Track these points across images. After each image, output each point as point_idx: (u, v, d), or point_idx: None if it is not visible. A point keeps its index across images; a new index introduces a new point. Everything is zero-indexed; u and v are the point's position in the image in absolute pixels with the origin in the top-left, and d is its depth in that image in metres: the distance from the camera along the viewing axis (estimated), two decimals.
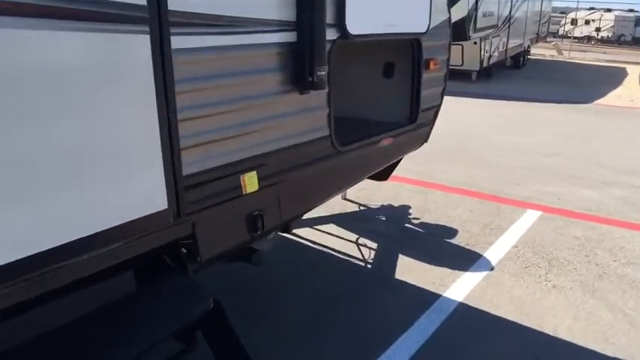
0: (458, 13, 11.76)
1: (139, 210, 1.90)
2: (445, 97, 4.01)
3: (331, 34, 2.52)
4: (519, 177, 6.60)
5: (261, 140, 2.33)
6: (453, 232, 4.95)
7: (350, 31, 2.58)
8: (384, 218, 5.33)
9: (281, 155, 2.44)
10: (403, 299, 3.81)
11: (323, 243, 4.70)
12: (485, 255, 4.47)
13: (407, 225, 5.17)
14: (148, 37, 1.77)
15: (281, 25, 2.26)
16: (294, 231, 4.88)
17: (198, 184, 2.10)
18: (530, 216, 5.33)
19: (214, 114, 2.10)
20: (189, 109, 2.00)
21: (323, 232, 4.95)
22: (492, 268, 4.24)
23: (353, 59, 3.61)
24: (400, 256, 4.47)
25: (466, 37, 12.19)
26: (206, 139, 2.10)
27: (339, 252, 4.55)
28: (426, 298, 3.81)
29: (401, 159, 3.83)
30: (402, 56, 3.42)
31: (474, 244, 4.70)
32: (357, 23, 2.61)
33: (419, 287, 3.97)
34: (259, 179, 2.34)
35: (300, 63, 2.35)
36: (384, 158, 3.40)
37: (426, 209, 5.51)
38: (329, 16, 2.47)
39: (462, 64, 13.45)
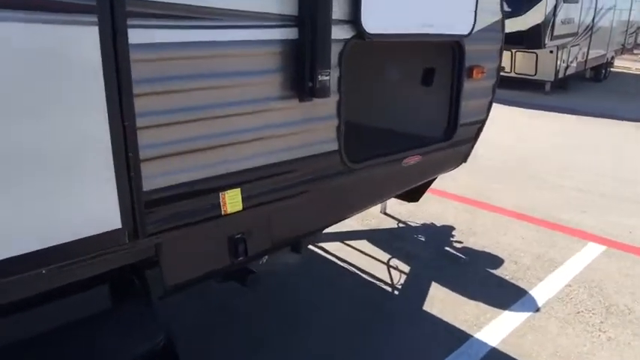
0: (534, 18, 10.95)
1: (86, 228, 1.65)
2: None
3: (343, 33, 2.17)
4: (586, 203, 5.90)
5: (248, 153, 2.01)
6: (498, 262, 4.42)
7: (367, 30, 2.21)
8: (423, 239, 4.88)
9: (274, 171, 2.11)
10: (427, 335, 3.38)
11: (351, 261, 4.33)
12: (531, 292, 3.92)
13: (447, 248, 4.69)
14: (95, 29, 1.50)
15: (273, 20, 1.93)
16: (321, 244, 4.58)
17: (164, 201, 1.82)
18: (592, 250, 4.68)
19: (187, 121, 1.81)
20: (153, 114, 1.72)
21: (353, 248, 4.59)
22: (538, 310, 3.70)
23: (384, 62, 3.22)
24: (434, 284, 4.02)
25: (541, 45, 11.30)
26: (175, 150, 1.81)
27: (366, 272, 4.17)
28: (455, 338, 3.36)
29: (434, 179, 3.39)
30: (444, 61, 2.99)
31: (521, 277, 4.15)
32: (377, 20, 2.23)
33: (448, 323, 3.52)
34: (244, 198, 2.03)
35: (299, 65, 2.01)
36: (410, 178, 2.99)
37: (472, 232, 5.00)
38: (340, 11, 2.12)
39: (534, 74, 12.53)
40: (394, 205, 5.35)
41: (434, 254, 4.55)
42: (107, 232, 1.69)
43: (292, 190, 2.20)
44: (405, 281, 4.07)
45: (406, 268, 4.26)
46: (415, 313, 3.63)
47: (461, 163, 3.36)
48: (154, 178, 1.77)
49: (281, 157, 2.11)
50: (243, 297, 3.51)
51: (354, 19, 2.17)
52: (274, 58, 1.98)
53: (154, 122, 1.73)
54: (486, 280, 4.11)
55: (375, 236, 4.83)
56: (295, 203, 2.23)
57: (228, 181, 1.97)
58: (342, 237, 4.77)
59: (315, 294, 3.83)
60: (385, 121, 3.16)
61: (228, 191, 1.97)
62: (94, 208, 1.64)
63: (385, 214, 5.36)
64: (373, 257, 4.43)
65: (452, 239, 4.86)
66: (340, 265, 4.29)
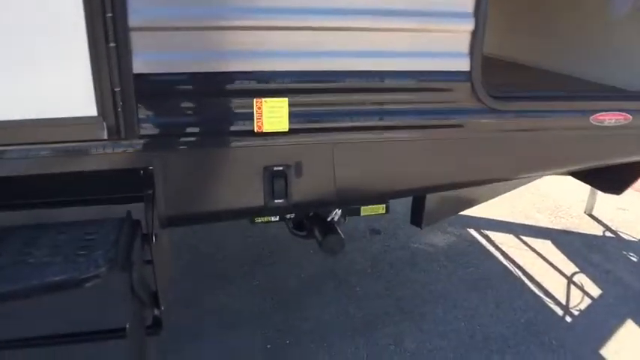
0: None
1: (50, 107, 1.22)
2: None
3: None
4: None
5: (307, 46, 1.34)
6: None
7: None
8: (635, 259, 3.51)
9: (349, 83, 1.39)
10: None
11: (519, 261, 3.32)
12: None
13: None
14: None
15: None
16: (487, 232, 3.63)
17: (166, 94, 1.28)
18: None
19: None
20: None
21: (529, 247, 3.52)
22: None
23: None
24: (629, 322, 2.79)
25: None
26: (188, 23, 1.24)
27: (534, 281, 3.12)
28: None
29: None
30: None
31: None
32: None
33: None
34: (294, 115, 1.37)
35: None
36: (603, 149, 1.85)
37: None
38: None
39: None
40: (606, 207, 4.01)
41: None
42: (78, 118, 1.23)
43: (377, 119, 1.45)
44: (588, 309, 2.91)
45: (596, 292, 3.06)
46: (584, 357, 2.52)
47: None
48: (152, 57, 1.24)
49: (362, 64, 1.37)
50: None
51: None
52: None
53: None
54: None
55: (565, 240, 3.65)
56: (380, 141, 1.48)
57: (271, 84, 1.33)
58: (519, 230, 3.73)
59: (453, 288, 2.98)
60: (577, 60, 2.07)
61: (269, 99, 1.34)
62: (59, 84, 1.19)
63: (590, 215, 4.06)
64: (552, 265, 3.32)
65: None
66: (503, 263, 3.31)
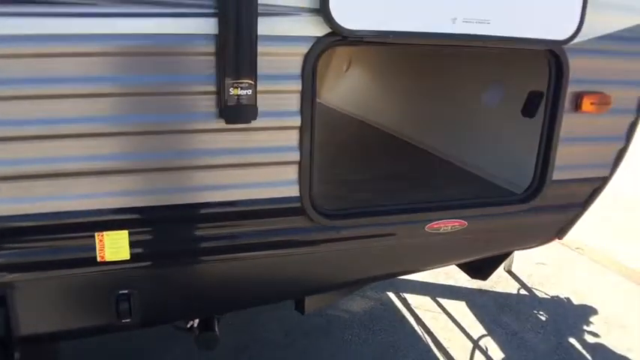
0: None
1: None
2: None
3: (311, 28, 1.47)
4: None
5: (143, 185, 1.48)
6: None
7: (340, 24, 1.46)
8: (544, 318, 3.69)
9: (182, 214, 1.54)
10: None
11: (431, 325, 3.45)
12: None
13: (573, 341, 3.44)
14: None
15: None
16: (405, 295, 3.77)
17: (11, 232, 1.40)
18: None
19: (49, 136, 1.37)
20: None
21: (443, 309, 3.67)
22: None
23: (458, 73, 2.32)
24: None
25: None
26: (27, 171, 1.38)
27: (441, 347, 3.25)
28: None
29: (508, 253, 2.35)
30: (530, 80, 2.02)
31: None
32: (362, 10, 1.48)
33: None
34: (134, 244, 1.50)
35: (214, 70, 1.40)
36: (445, 253, 2.03)
37: (622, 324, 3.61)
38: None
39: None
40: (526, 262, 4.21)
41: (551, 345, 3.36)
42: None
43: (212, 244, 1.59)
44: None
45: (498, 356, 3.21)
46: None
47: (552, 239, 2.26)
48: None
49: (196, 197, 1.52)
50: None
51: (322, 6, 1.44)
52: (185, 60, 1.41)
53: None
54: None
55: (480, 300, 3.82)
56: (212, 264, 1.62)
57: (110, 219, 1.47)
58: (437, 291, 3.88)
59: (361, 358, 3.08)
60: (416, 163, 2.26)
61: (109, 233, 1.47)
62: None
63: (509, 272, 4.25)
64: (462, 328, 3.47)
65: (585, 328, 3.57)
66: (414, 328, 3.44)
